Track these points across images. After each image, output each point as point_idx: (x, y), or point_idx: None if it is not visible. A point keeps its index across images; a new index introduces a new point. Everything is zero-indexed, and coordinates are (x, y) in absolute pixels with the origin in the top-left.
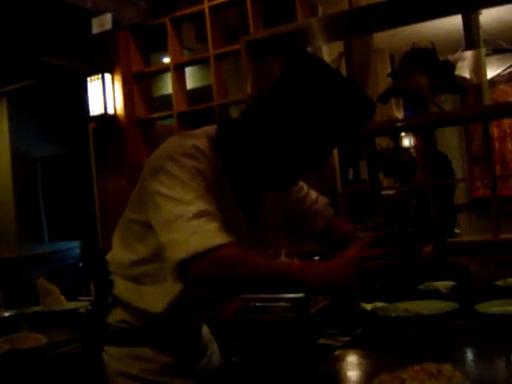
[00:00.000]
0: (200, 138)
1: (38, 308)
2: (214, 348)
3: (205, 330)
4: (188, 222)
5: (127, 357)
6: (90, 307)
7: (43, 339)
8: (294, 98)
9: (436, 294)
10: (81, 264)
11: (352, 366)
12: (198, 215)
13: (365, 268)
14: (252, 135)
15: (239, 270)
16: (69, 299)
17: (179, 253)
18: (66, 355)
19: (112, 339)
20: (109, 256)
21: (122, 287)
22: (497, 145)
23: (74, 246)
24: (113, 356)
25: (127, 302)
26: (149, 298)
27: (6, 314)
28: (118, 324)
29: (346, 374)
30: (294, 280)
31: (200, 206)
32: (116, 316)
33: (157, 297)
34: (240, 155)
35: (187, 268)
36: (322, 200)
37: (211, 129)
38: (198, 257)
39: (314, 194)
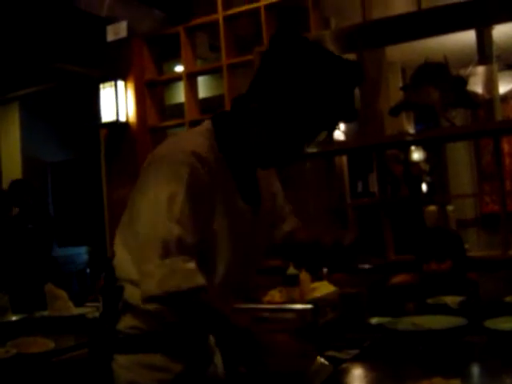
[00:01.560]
0: (200, 137)
1: (45, 313)
2: (218, 355)
3: (211, 337)
4: (167, 259)
5: (137, 366)
6: (97, 315)
7: (50, 344)
8: (285, 75)
9: (445, 309)
10: (88, 270)
11: (359, 379)
12: (179, 248)
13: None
14: (248, 117)
15: (202, 314)
16: (76, 305)
17: (152, 289)
18: (72, 360)
19: (122, 347)
20: (114, 262)
21: (132, 292)
22: (507, 160)
23: (82, 252)
24: (122, 365)
25: (138, 307)
26: None
27: (14, 318)
28: (129, 330)
29: None
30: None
31: (182, 226)
32: (126, 322)
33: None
34: (239, 140)
35: (156, 300)
36: (288, 205)
37: (208, 123)
38: (171, 295)
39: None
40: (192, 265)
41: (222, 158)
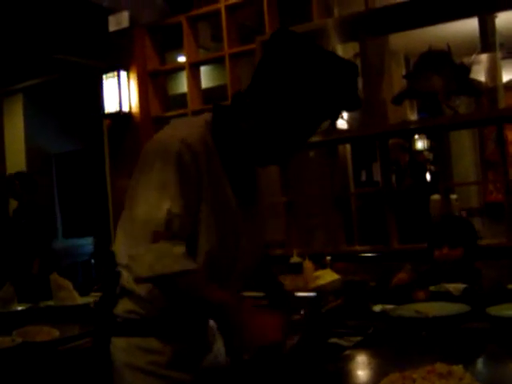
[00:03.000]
0: (194, 127)
1: (50, 302)
2: (220, 346)
3: (212, 325)
4: (157, 244)
5: (135, 348)
6: (97, 300)
7: (56, 333)
8: (280, 72)
9: (447, 296)
10: (93, 260)
11: (362, 366)
12: (168, 233)
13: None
14: (244, 112)
15: (195, 294)
16: (81, 295)
17: (143, 271)
18: (77, 349)
19: (120, 330)
20: (114, 247)
21: (128, 277)
22: (510, 149)
23: (87, 243)
24: (120, 348)
25: (134, 291)
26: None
27: (19, 308)
28: (126, 315)
29: (356, 373)
30: (223, 314)
31: (172, 210)
32: (124, 307)
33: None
34: (234, 134)
35: (147, 282)
36: None
37: (208, 115)
38: (160, 278)
39: None
40: (181, 249)
41: (214, 150)
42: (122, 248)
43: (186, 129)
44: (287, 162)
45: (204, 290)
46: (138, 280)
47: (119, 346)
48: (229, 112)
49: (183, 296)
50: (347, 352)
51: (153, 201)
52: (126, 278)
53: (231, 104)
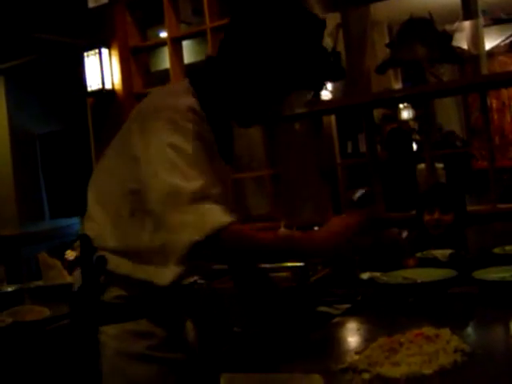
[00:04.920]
0: (187, 95)
1: (40, 282)
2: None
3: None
4: (195, 204)
5: (125, 334)
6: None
7: (46, 312)
8: (255, 29)
9: (434, 262)
10: None
11: (351, 332)
12: (203, 195)
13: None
14: (224, 75)
15: (248, 245)
16: (70, 274)
17: (192, 235)
18: (68, 327)
19: (108, 317)
20: (90, 227)
21: (119, 262)
22: (495, 116)
23: (75, 223)
24: (110, 335)
25: (128, 276)
26: (152, 270)
27: (9, 289)
28: (114, 300)
29: (345, 340)
30: (293, 249)
31: (203, 181)
32: (111, 293)
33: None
34: (217, 98)
35: (200, 248)
36: None
37: (186, 82)
38: (210, 238)
39: None
40: (216, 205)
41: (203, 114)
42: (108, 229)
43: (182, 96)
44: (268, 118)
45: (256, 235)
46: (192, 249)
47: (111, 333)
48: (207, 77)
49: (235, 252)
50: (336, 319)
51: (171, 167)
52: (116, 264)
53: (206, 69)
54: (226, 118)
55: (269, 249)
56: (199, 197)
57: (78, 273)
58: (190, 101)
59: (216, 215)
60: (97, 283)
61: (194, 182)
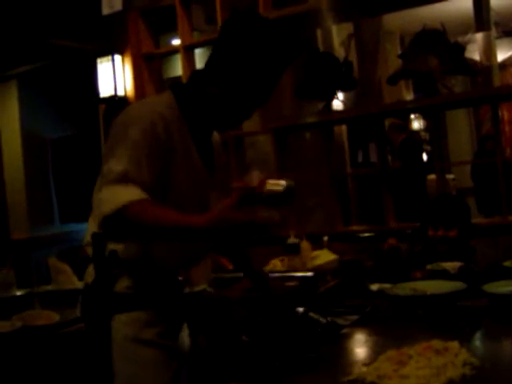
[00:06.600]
0: (162, 101)
1: (50, 287)
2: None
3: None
4: (116, 184)
5: (137, 322)
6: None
7: (55, 316)
8: (238, 47)
9: (444, 274)
10: None
11: (360, 343)
12: (126, 178)
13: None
14: (208, 83)
15: (146, 220)
16: (80, 279)
17: (104, 210)
18: (77, 332)
19: (121, 307)
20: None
21: (128, 250)
22: (507, 128)
23: (85, 228)
24: (122, 322)
25: (137, 261)
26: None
27: (19, 293)
28: (126, 290)
29: (353, 351)
30: (184, 226)
31: (130, 167)
32: (123, 284)
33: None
34: (198, 107)
35: (111, 223)
36: None
37: (169, 93)
38: (118, 213)
39: None
40: (134, 187)
41: (183, 122)
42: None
43: (155, 102)
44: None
45: (157, 212)
46: (104, 223)
47: (122, 320)
48: (190, 88)
49: (137, 227)
50: (345, 330)
51: (116, 153)
52: (122, 249)
53: (190, 81)
54: (208, 128)
55: (162, 225)
56: (121, 178)
57: (91, 268)
58: (162, 104)
59: (127, 194)
60: (110, 275)
61: (120, 167)
